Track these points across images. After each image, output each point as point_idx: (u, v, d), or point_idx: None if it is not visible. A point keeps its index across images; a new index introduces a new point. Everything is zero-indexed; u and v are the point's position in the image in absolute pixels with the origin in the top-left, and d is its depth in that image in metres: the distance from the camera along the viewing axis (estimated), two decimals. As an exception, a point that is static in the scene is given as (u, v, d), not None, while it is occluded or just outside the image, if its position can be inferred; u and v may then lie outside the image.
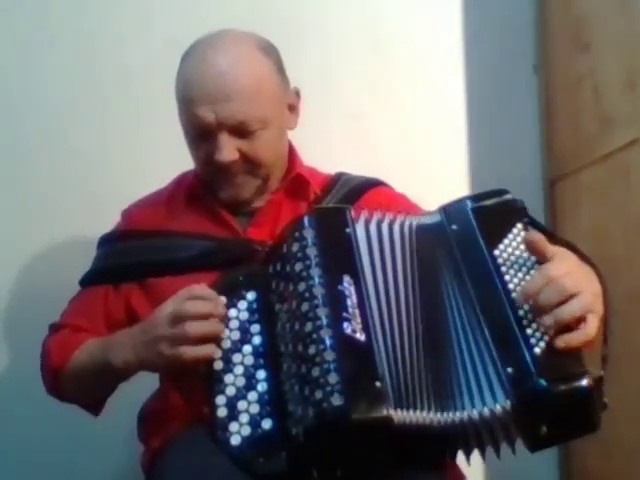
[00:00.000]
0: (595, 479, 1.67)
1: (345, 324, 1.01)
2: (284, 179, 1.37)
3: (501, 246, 1.07)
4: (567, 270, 1.01)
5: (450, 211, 1.14)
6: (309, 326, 1.02)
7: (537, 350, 0.99)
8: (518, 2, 1.88)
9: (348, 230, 1.10)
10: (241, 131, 1.26)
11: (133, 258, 1.35)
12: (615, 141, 1.55)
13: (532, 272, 1.04)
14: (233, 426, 1.07)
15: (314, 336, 1.01)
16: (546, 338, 0.99)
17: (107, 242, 1.41)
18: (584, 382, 0.97)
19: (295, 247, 1.09)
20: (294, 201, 1.36)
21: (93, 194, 1.75)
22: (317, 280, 1.05)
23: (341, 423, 0.97)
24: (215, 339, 1.11)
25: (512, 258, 1.06)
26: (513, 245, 1.08)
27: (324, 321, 1.02)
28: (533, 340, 0.99)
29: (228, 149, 1.26)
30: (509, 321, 1.01)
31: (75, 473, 1.71)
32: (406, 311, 1.06)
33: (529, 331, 1.00)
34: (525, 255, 1.06)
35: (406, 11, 1.86)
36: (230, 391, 1.09)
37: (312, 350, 1.01)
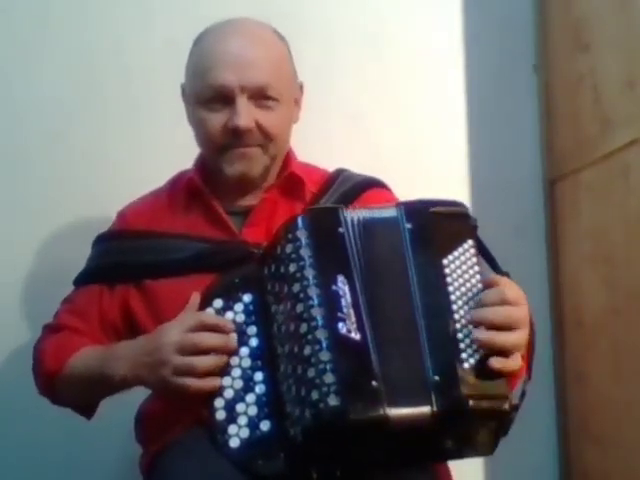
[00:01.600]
0: (595, 479, 1.67)
1: (340, 324, 1.01)
2: (278, 177, 1.37)
3: (450, 257, 1.08)
4: (517, 302, 1.05)
5: (408, 209, 1.13)
6: (304, 327, 1.03)
7: (466, 365, 1.01)
8: (518, 2, 1.88)
9: (341, 230, 1.10)
10: (260, 98, 1.28)
11: (129, 258, 1.34)
12: (615, 141, 1.55)
13: (474, 289, 1.06)
14: (232, 429, 1.07)
15: (309, 337, 1.02)
16: (478, 356, 1.02)
17: (102, 241, 1.40)
18: (506, 405, 1.01)
19: (289, 248, 1.09)
20: (290, 200, 1.36)
21: (93, 194, 1.75)
22: (311, 281, 1.05)
23: (338, 423, 0.97)
24: (221, 372, 1.10)
25: (458, 271, 1.08)
26: (461, 259, 1.09)
27: (319, 322, 1.02)
28: (465, 355, 1.02)
29: (246, 114, 1.27)
30: (447, 331, 1.03)
31: (74, 473, 1.71)
32: (385, 309, 1.06)
33: (462, 345, 1.02)
34: (471, 272, 1.08)
35: (406, 11, 1.86)
36: (228, 394, 1.09)
37: (308, 351, 1.01)
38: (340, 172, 1.42)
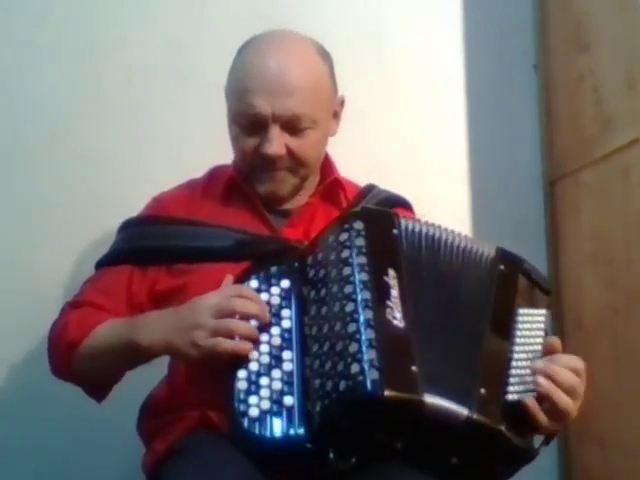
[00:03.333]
0: (595, 479, 1.67)
1: (387, 310, 1.04)
2: (320, 184, 1.40)
3: (526, 310, 1.15)
4: (584, 379, 1.11)
5: (505, 254, 1.18)
6: (351, 306, 1.05)
7: (509, 397, 1.05)
8: (518, 2, 1.88)
9: (395, 231, 1.14)
10: (292, 127, 1.29)
11: (164, 241, 1.34)
12: (615, 141, 1.55)
13: (536, 347, 1.12)
14: (252, 399, 1.06)
15: (355, 315, 1.04)
16: (525, 395, 1.06)
17: (132, 225, 1.39)
18: (531, 451, 1.06)
19: (344, 236, 1.12)
20: (328, 206, 1.38)
21: (93, 194, 1.75)
22: (362, 267, 1.08)
23: (374, 397, 0.98)
24: (254, 342, 1.11)
25: (527, 326, 1.14)
26: (533, 319, 1.15)
27: (366, 303, 1.04)
28: (511, 388, 1.06)
29: (278, 142, 1.28)
30: (504, 359, 1.08)
31: (74, 473, 1.71)
32: (439, 316, 1.10)
33: (512, 380, 1.07)
34: (537, 333, 1.14)
35: (406, 11, 1.86)
36: (253, 367, 1.09)
37: (352, 328, 1.03)
38: (372, 187, 1.45)
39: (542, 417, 1.06)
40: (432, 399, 1.00)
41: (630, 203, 1.49)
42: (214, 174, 1.43)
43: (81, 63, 1.78)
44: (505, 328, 1.11)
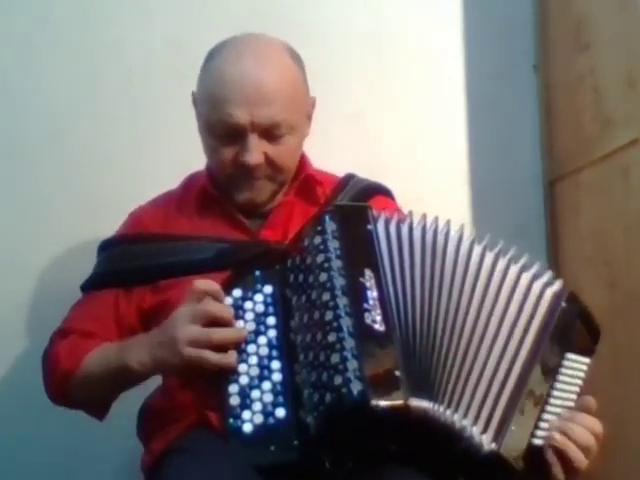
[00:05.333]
0: (595, 479, 1.67)
1: (365, 314, 1.03)
2: (294, 180, 1.38)
3: (571, 356, 1.12)
4: (599, 440, 1.08)
5: (569, 295, 1.17)
6: (330, 315, 1.04)
7: (536, 441, 1.04)
8: (518, 2, 1.88)
9: (370, 227, 1.12)
10: (270, 134, 1.28)
11: (147, 261, 1.33)
12: (615, 141, 1.54)
13: (571, 396, 1.09)
14: (246, 414, 1.06)
15: (334, 324, 1.03)
16: (549, 433, 1.05)
17: (113, 245, 1.39)
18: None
19: (317, 240, 1.11)
20: (305, 203, 1.37)
21: (93, 194, 1.75)
22: (339, 271, 1.07)
23: (359, 408, 0.97)
24: (237, 347, 1.10)
25: (569, 372, 1.10)
26: (575, 367, 1.12)
27: (345, 310, 1.03)
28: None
29: (257, 152, 1.27)
30: (543, 400, 1.07)
31: (75, 472, 1.71)
32: (420, 309, 1.08)
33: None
34: (576, 382, 1.11)
35: (406, 11, 1.85)
36: (244, 380, 1.09)
37: (332, 338, 1.02)
38: (350, 177, 1.43)
39: (558, 470, 1.05)
40: (419, 402, 0.99)
41: (630, 203, 1.49)
42: (189, 184, 1.42)
43: (81, 63, 1.78)
44: (552, 369, 1.09)
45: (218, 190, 1.35)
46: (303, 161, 1.41)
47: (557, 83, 1.83)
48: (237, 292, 1.15)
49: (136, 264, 1.34)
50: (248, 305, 1.14)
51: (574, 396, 1.10)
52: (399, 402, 0.97)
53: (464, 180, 1.85)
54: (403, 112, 1.84)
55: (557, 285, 1.16)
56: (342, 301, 1.04)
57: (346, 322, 1.02)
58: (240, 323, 1.12)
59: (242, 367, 1.09)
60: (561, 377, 1.09)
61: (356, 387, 0.97)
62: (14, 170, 1.76)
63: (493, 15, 1.87)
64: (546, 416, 1.06)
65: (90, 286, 1.37)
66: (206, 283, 1.13)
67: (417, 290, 1.09)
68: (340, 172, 1.45)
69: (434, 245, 1.13)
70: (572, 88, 1.73)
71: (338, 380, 0.99)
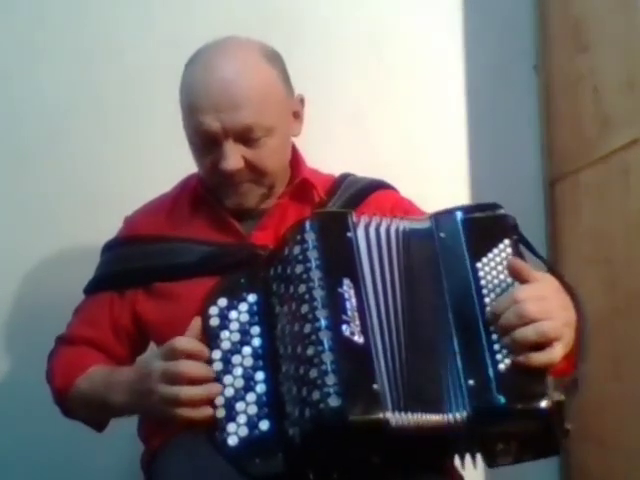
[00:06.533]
0: (595, 479, 1.67)
1: (344, 326, 1.01)
2: (289, 184, 1.38)
3: (484, 259, 1.08)
4: (539, 295, 1.02)
5: (440, 219, 1.14)
6: (308, 328, 1.03)
7: (501, 367, 1.00)
8: (518, 2, 1.88)
9: (349, 234, 1.10)
10: (246, 139, 1.26)
11: (137, 263, 1.35)
12: (615, 141, 1.54)
13: (510, 289, 1.04)
14: (231, 427, 1.06)
15: (313, 337, 1.02)
16: (512, 357, 1.00)
17: (109, 249, 1.41)
18: (543, 404, 0.98)
19: (296, 250, 1.09)
20: (299, 205, 1.36)
21: (93, 195, 1.75)
22: (317, 282, 1.05)
23: (338, 424, 0.97)
24: (210, 402, 1.08)
25: (493, 273, 1.07)
26: (496, 260, 1.08)
27: (323, 323, 1.02)
28: (499, 356, 1.01)
29: (233, 157, 1.26)
30: (479, 335, 1.03)
31: (75, 473, 1.71)
32: (402, 314, 1.07)
33: (497, 347, 1.01)
34: (506, 272, 1.06)
35: (406, 11, 1.86)
36: (229, 392, 1.08)
37: (310, 351, 1.01)
38: (345, 176, 1.43)
39: (541, 357, 0.99)
40: (398, 416, 0.98)
41: (630, 203, 1.49)
42: (185, 186, 1.42)
43: (81, 63, 1.78)
44: (469, 299, 1.05)
45: (210, 192, 1.35)
46: (298, 164, 1.40)
47: (557, 83, 1.83)
48: (222, 301, 1.14)
49: (128, 267, 1.36)
50: (233, 315, 1.13)
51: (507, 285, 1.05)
52: (377, 416, 0.96)
53: (464, 180, 1.85)
54: (403, 112, 1.84)
55: (429, 224, 1.13)
56: (321, 313, 1.03)
57: (324, 335, 1.01)
58: (225, 333, 1.12)
59: (227, 379, 1.09)
60: (485, 291, 1.05)
61: (334, 402, 0.97)
62: (14, 170, 1.76)
63: (493, 15, 1.87)
64: (494, 337, 1.01)
65: (90, 289, 1.40)
66: (187, 342, 1.11)
67: (398, 295, 1.08)
68: (340, 172, 1.45)
69: (405, 245, 1.12)
70: (572, 88, 1.73)
71: (316, 395, 0.98)
